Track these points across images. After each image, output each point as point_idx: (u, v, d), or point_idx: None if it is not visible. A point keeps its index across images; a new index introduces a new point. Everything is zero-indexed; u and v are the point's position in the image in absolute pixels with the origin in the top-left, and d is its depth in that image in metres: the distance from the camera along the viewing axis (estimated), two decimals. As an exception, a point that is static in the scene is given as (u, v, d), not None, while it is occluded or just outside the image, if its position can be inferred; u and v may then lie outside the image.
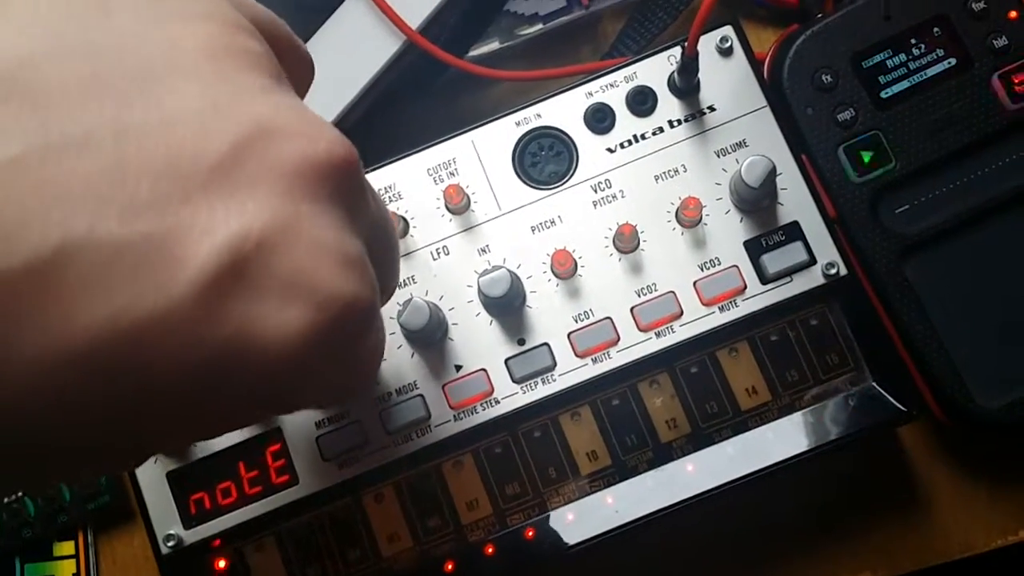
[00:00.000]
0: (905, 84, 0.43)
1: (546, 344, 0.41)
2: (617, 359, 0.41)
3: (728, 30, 0.43)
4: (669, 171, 0.42)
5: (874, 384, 0.41)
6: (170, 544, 0.41)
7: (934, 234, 0.42)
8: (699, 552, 0.45)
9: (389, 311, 0.41)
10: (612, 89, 0.43)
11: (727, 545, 0.45)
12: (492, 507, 0.41)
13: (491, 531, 0.41)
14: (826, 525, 0.45)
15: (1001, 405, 0.41)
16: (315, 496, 0.41)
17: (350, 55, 0.46)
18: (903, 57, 0.43)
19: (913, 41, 0.44)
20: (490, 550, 0.41)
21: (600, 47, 0.51)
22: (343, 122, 0.46)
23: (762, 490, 0.42)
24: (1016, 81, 0.43)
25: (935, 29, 0.44)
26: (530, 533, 0.41)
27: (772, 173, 0.39)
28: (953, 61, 0.43)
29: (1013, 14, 0.43)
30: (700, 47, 0.42)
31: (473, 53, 0.50)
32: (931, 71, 0.43)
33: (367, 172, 0.43)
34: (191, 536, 0.41)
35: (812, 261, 0.41)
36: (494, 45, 0.50)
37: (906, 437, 0.45)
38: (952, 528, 0.45)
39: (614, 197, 0.42)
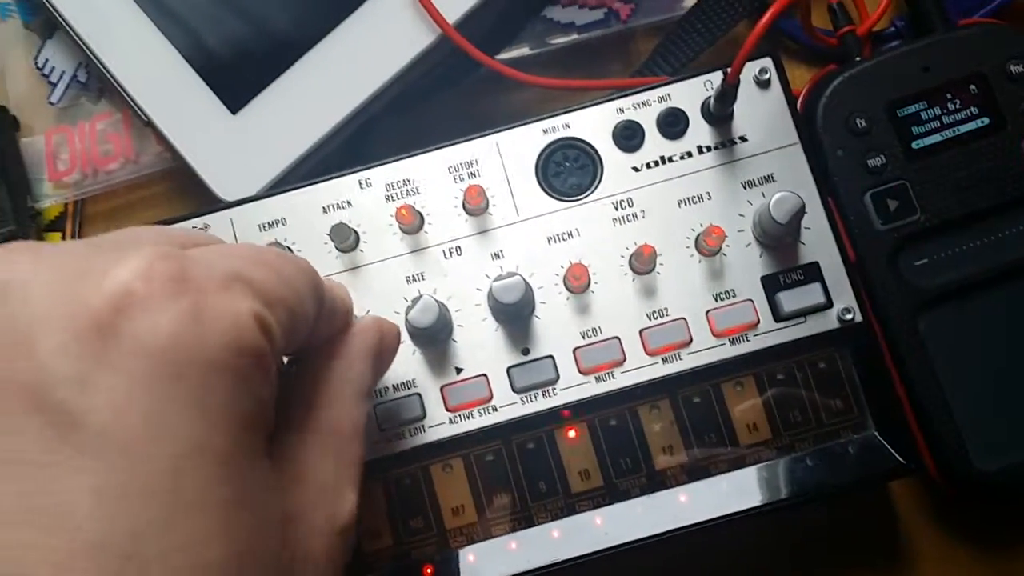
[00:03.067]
0: (937, 137, 0.43)
1: (551, 357, 0.41)
2: (621, 380, 0.41)
3: (767, 62, 0.43)
4: (693, 197, 0.42)
5: (876, 434, 0.41)
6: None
7: (951, 291, 0.42)
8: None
9: (397, 307, 0.40)
10: (644, 108, 0.43)
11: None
12: (477, 514, 0.41)
13: (474, 538, 0.41)
14: (805, 573, 0.45)
15: (997, 469, 0.41)
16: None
17: (382, 43, 0.45)
18: (938, 111, 0.43)
19: (949, 96, 0.43)
20: (471, 558, 0.40)
21: (631, 64, 0.50)
22: (366, 110, 0.45)
23: (744, 530, 0.41)
24: (1047, 147, 0.43)
25: (972, 86, 0.43)
26: (512, 545, 0.40)
27: (801, 211, 0.39)
28: (987, 120, 0.43)
29: (1051, 81, 0.43)
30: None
31: (502, 56, 0.49)
32: (964, 128, 0.43)
33: (388, 163, 0.42)
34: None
35: (829, 304, 0.41)
36: (524, 51, 0.49)
37: (896, 491, 0.45)
38: (934, 588, 0.45)
39: (635, 216, 0.42)
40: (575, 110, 0.43)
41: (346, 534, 0.29)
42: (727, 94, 0.41)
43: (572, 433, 0.41)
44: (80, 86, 0.51)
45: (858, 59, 0.45)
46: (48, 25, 0.51)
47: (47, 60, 0.51)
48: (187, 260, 0.25)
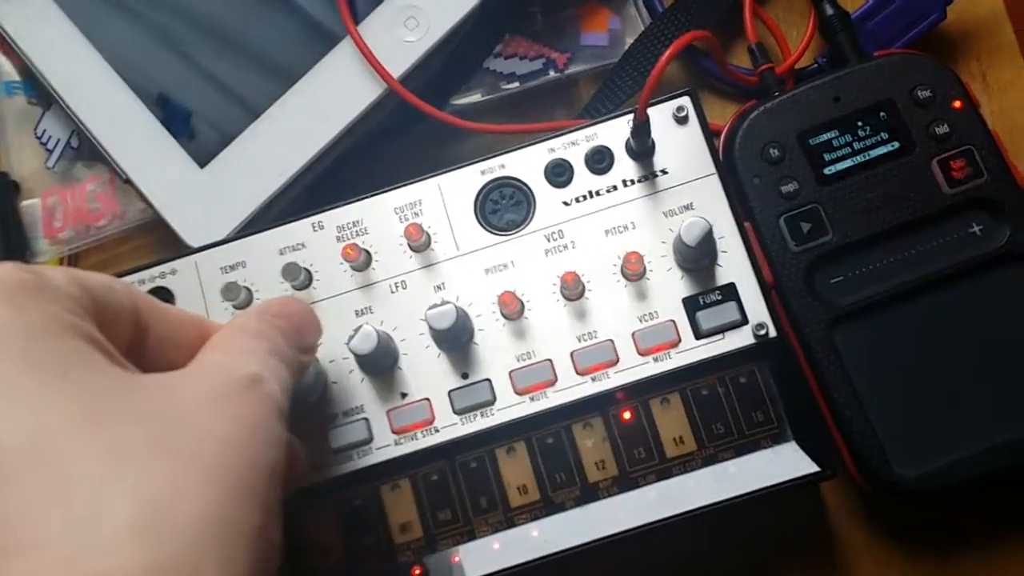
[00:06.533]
0: (849, 163, 0.46)
1: (488, 380, 0.44)
2: (553, 399, 0.43)
3: (685, 100, 0.46)
4: (619, 227, 0.45)
5: (794, 443, 0.43)
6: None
7: (864, 306, 0.44)
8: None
9: (342, 337, 0.44)
10: (573, 147, 0.46)
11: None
12: (423, 531, 0.43)
13: (420, 553, 0.43)
14: (742, 578, 0.47)
15: (917, 474, 0.43)
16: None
17: (335, 99, 0.49)
18: (848, 137, 0.46)
19: (859, 123, 0.46)
20: (417, 572, 0.43)
21: (574, 108, 0.54)
22: (324, 158, 0.49)
23: (683, 545, 0.44)
24: (954, 167, 0.45)
25: (881, 113, 0.46)
26: (456, 558, 0.43)
27: (709, 234, 0.42)
28: (896, 144, 0.46)
29: (957, 104, 0.46)
30: (658, 114, 0.46)
31: (457, 102, 0.53)
32: (874, 152, 0.46)
33: (339, 207, 0.46)
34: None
35: (744, 321, 0.43)
36: (477, 97, 0.53)
37: (828, 498, 0.47)
38: (868, 592, 0.46)
39: (566, 247, 0.45)
40: (510, 151, 0.47)
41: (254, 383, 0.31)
42: (639, 130, 0.44)
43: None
44: (73, 152, 0.55)
45: (776, 94, 0.48)
46: (47, 98, 0.56)
47: (45, 130, 0.56)
48: None
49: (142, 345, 0.33)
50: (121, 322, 0.32)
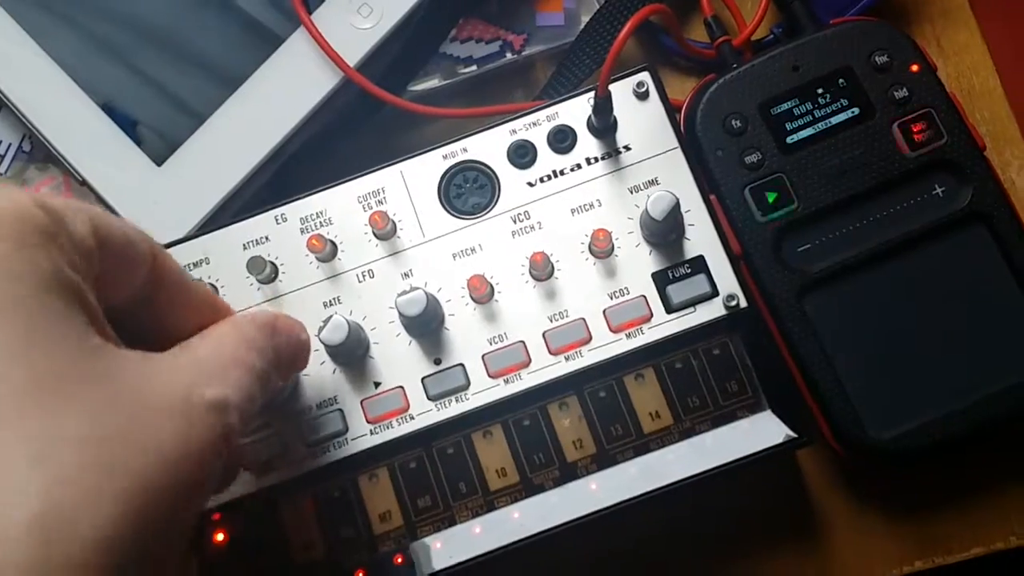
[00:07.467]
0: (810, 131, 0.46)
1: (461, 365, 0.43)
2: (528, 380, 0.43)
3: (645, 75, 0.46)
4: (585, 205, 0.45)
5: (770, 412, 0.43)
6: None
7: (832, 272, 0.45)
8: (598, 571, 0.47)
9: (312, 329, 0.43)
10: (535, 128, 0.46)
11: (626, 565, 0.47)
12: (404, 519, 0.43)
13: (401, 542, 0.43)
14: (726, 553, 0.47)
15: (891, 436, 0.43)
16: (234, 503, 0.43)
17: (290, 89, 0.49)
18: (809, 106, 0.46)
19: (819, 91, 0.46)
20: (399, 560, 0.43)
21: (533, 90, 0.54)
22: (283, 151, 0.49)
23: (663, 517, 0.44)
24: (915, 130, 0.45)
25: (840, 80, 0.46)
26: (438, 544, 0.43)
27: (676, 208, 0.42)
28: (856, 110, 0.46)
29: (915, 67, 0.46)
30: (618, 91, 0.45)
31: (415, 88, 0.53)
32: (835, 119, 0.46)
33: (302, 199, 0.45)
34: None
35: (714, 293, 0.43)
36: (435, 82, 0.53)
37: (806, 468, 0.47)
38: (849, 557, 0.47)
39: (532, 228, 0.45)
40: (472, 135, 0.46)
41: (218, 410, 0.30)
42: (601, 107, 0.44)
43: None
44: (25, 156, 0.54)
45: (734, 66, 0.48)
46: (-5, 103, 0.55)
47: (-5, 134, 0.55)
48: None
49: (150, 300, 0.33)
50: (129, 276, 0.31)
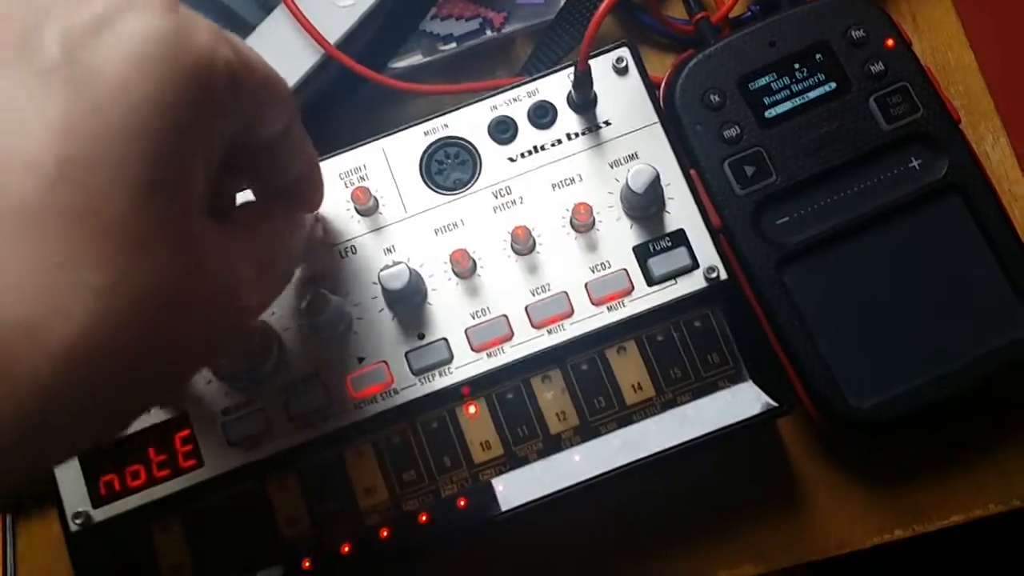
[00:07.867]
0: (788, 105, 0.46)
1: (444, 339, 0.44)
2: (511, 354, 0.44)
3: (624, 51, 0.46)
4: (566, 180, 0.45)
5: (751, 382, 0.44)
6: (78, 522, 0.42)
7: (811, 244, 0.45)
8: (582, 543, 0.47)
9: (294, 305, 0.43)
10: (515, 103, 0.46)
11: (610, 536, 0.47)
12: (389, 493, 0.43)
13: (386, 515, 0.43)
14: (707, 520, 0.48)
15: (871, 405, 0.44)
16: (219, 479, 0.43)
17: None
18: (787, 80, 0.47)
19: (796, 66, 0.47)
20: (385, 533, 0.43)
21: (514, 67, 0.54)
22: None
23: (646, 486, 0.44)
24: (891, 103, 0.46)
25: (817, 55, 0.47)
26: (424, 518, 0.43)
27: (656, 181, 0.42)
28: (833, 85, 0.47)
29: (890, 42, 0.47)
30: (598, 66, 0.46)
31: (396, 65, 0.53)
32: (812, 93, 0.46)
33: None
34: (99, 514, 0.42)
35: (695, 265, 0.44)
36: (417, 58, 0.53)
37: (787, 436, 0.48)
38: (830, 525, 0.47)
39: (514, 203, 0.45)
40: (452, 111, 0.47)
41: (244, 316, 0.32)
42: (581, 82, 0.44)
43: (472, 409, 0.44)
44: None
45: (713, 42, 0.48)
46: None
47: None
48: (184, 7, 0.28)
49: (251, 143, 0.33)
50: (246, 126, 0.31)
